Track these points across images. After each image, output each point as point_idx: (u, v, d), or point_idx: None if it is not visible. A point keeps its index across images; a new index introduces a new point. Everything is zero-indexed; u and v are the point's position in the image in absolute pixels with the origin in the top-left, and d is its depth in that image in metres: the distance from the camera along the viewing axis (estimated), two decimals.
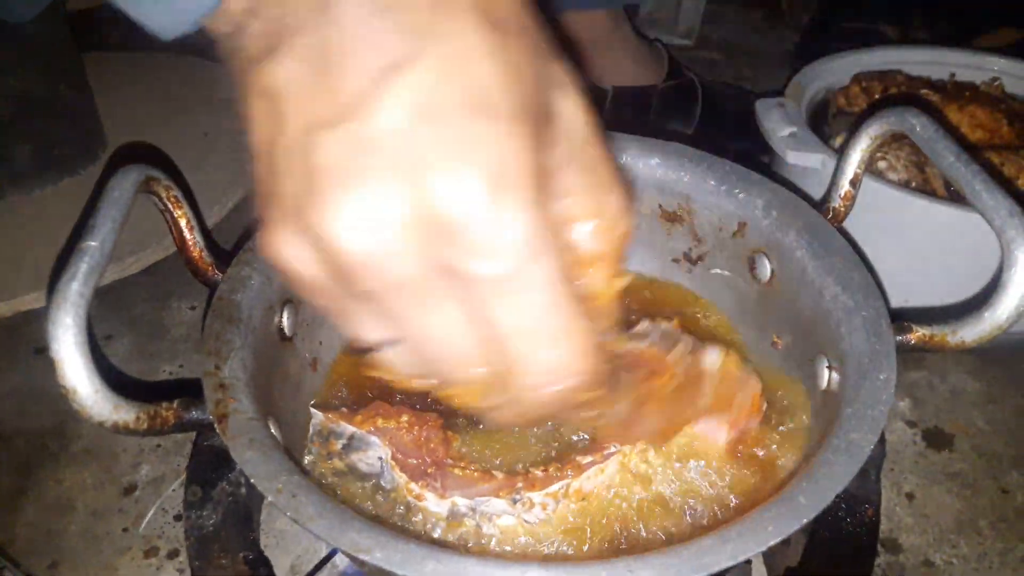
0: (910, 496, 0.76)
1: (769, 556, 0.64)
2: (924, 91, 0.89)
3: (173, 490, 0.77)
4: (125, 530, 0.74)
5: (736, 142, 1.08)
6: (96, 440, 0.81)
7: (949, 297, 0.77)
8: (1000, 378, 0.87)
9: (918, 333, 0.51)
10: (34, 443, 0.81)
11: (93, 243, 0.46)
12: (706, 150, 0.67)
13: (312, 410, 0.56)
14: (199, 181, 1.10)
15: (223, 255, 0.59)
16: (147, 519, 0.74)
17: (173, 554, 0.71)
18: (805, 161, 0.83)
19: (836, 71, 0.98)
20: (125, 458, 0.80)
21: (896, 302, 0.79)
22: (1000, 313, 0.47)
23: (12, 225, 1.05)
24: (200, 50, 1.53)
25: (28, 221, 1.06)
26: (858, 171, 0.60)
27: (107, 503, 0.76)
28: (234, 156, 1.17)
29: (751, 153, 1.03)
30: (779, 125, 0.86)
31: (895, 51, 0.99)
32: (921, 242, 0.78)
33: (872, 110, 0.59)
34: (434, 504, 0.51)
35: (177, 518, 0.74)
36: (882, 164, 0.83)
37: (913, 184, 0.82)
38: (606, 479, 0.52)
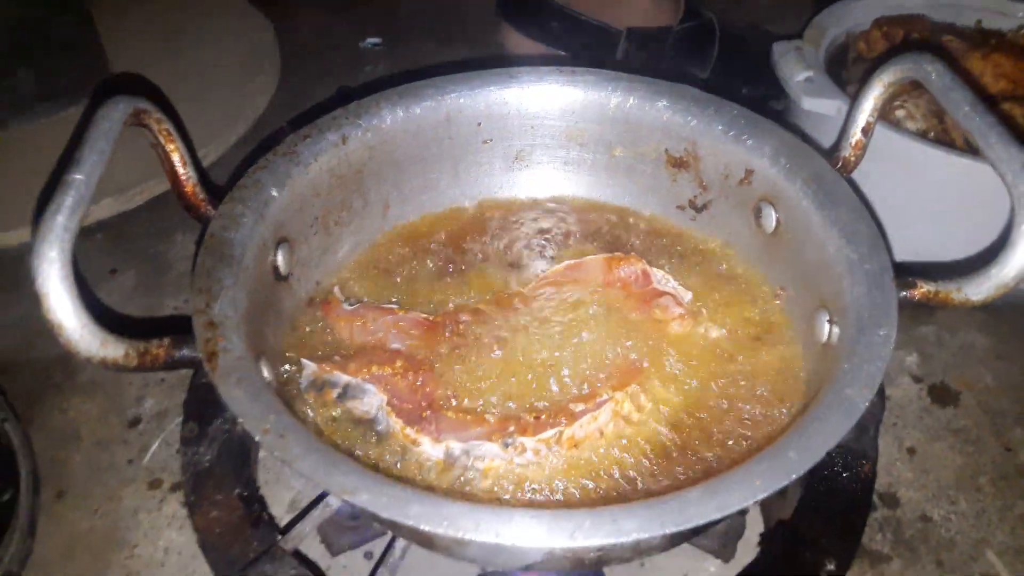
0: (911, 451, 0.76)
1: (767, 507, 0.64)
2: (947, 37, 0.86)
3: (176, 424, 0.77)
4: (130, 461, 0.75)
5: (752, 86, 1.05)
6: (101, 373, 0.81)
7: (965, 250, 0.76)
8: (1011, 335, 0.86)
9: (923, 289, 0.50)
10: (40, 374, 0.82)
11: (79, 176, 0.45)
12: (719, 95, 0.65)
13: (304, 361, 0.56)
14: (201, 115, 1.09)
15: (220, 192, 0.58)
16: (151, 452, 0.75)
17: (176, 486, 0.72)
18: (820, 107, 0.81)
19: (857, 14, 0.95)
20: (130, 391, 0.81)
21: (909, 254, 0.78)
22: (1008, 271, 0.46)
23: (16, 155, 1.05)
24: None
25: (32, 151, 1.05)
26: (870, 120, 0.58)
27: (112, 434, 0.77)
28: (238, 88, 1.16)
29: (766, 98, 1.00)
30: (795, 69, 0.84)
31: None
32: (937, 193, 0.76)
33: (888, 56, 0.57)
34: (429, 447, 0.51)
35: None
36: (900, 113, 0.81)
37: (932, 134, 0.80)
38: (599, 426, 0.52)
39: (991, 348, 0.85)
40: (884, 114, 0.78)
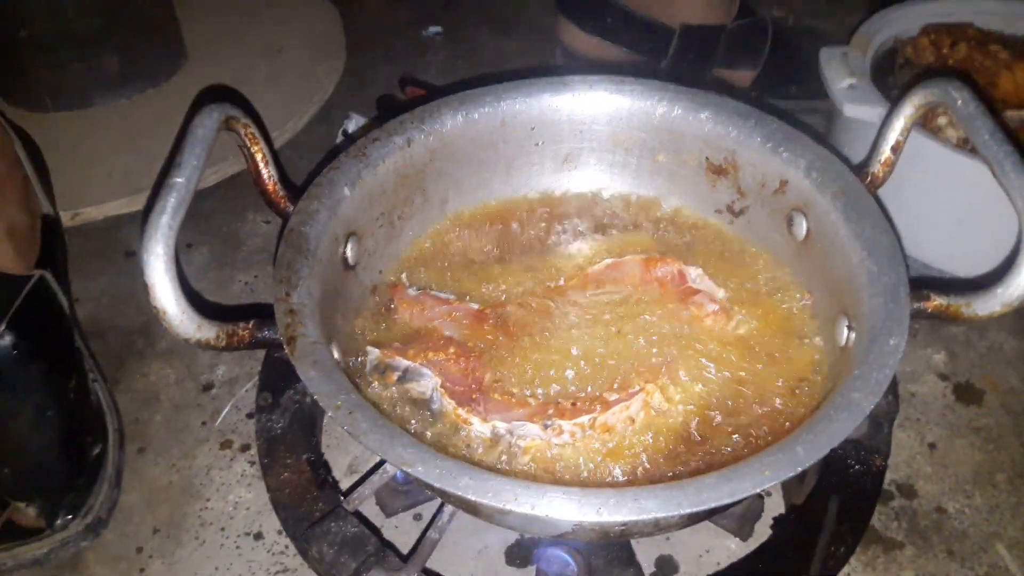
0: (932, 446, 0.79)
1: (787, 492, 0.69)
2: (994, 47, 0.87)
3: (246, 391, 0.84)
4: (203, 423, 0.82)
5: (801, 86, 1.08)
6: (178, 342, 0.89)
7: (992, 260, 0.78)
8: None
9: (935, 302, 0.54)
10: (125, 340, 0.90)
11: (179, 179, 0.51)
12: (769, 92, 0.68)
13: (368, 347, 0.62)
14: (273, 96, 1.15)
15: (297, 190, 0.64)
16: (223, 415, 0.82)
17: (245, 447, 0.80)
18: (861, 114, 0.84)
19: (907, 20, 0.96)
20: (204, 358, 0.88)
21: (935, 262, 0.80)
22: (1012, 291, 0.50)
23: (100, 132, 1.13)
24: None
25: (115, 129, 1.13)
26: (900, 138, 0.62)
27: (187, 398, 0.84)
28: (307, 71, 1.22)
29: (814, 98, 1.02)
30: (839, 75, 0.86)
31: (969, 1, 0.97)
32: (969, 202, 0.79)
33: (919, 78, 0.60)
34: (478, 426, 0.57)
35: (249, 416, 0.82)
36: (942, 120, 0.83)
37: (970, 144, 0.82)
38: (630, 415, 0.58)
39: (1019, 350, 0.88)
40: (926, 121, 0.81)
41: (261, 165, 0.61)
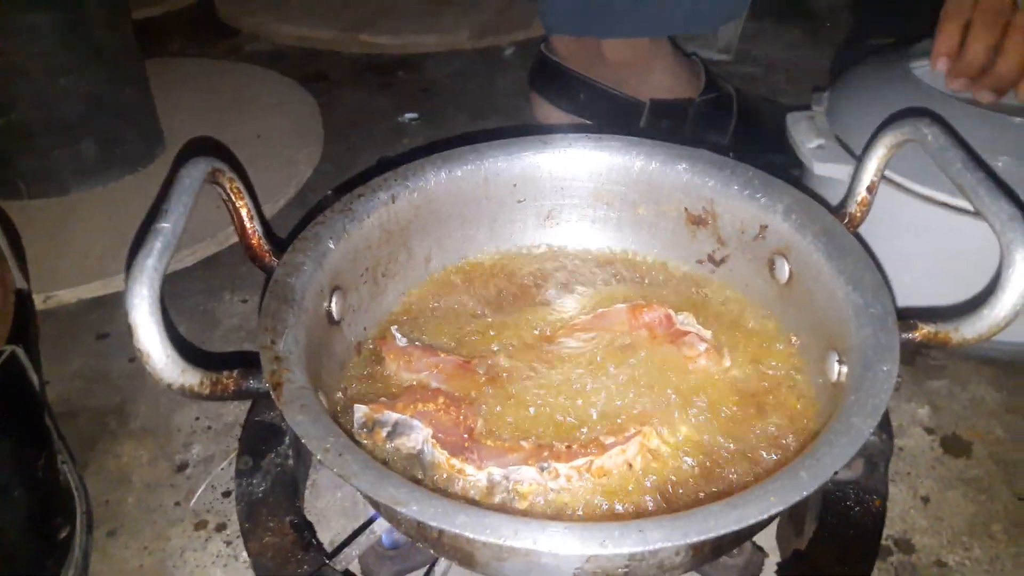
0: (925, 499, 0.78)
1: (782, 540, 0.67)
2: None
3: (222, 468, 0.82)
4: (177, 504, 0.79)
5: (770, 154, 1.11)
6: (152, 420, 0.87)
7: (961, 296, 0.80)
8: (1020, 389, 0.89)
9: (923, 330, 0.55)
10: (96, 421, 0.87)
11: (166, 224, 0.51)
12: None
13: (355, 406, 0.61)
14: (251, 180, 1.16)
15: (281, 244, 0.64)
16: (198, 494, 0.79)
17: (220, 527, 0.76)
18: (831, 172, 0.86)
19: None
20: (178, 437, 0.85)
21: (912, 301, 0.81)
22: (999, 311, 0.51)
23: (77, 218, 1.12)
24: (251, 56, 1.61)
25: (92, 214, 1.13)
26: (874, 179, 0.63)
27: (161, 478, 0.81)
28: (284, 157, 1.24)
29: (784, 165, 1.06)
30: (807, 137, 0.89)
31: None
32: (938, 247, 0.81)
33: (888, 121, 0.63)
34: (473, 474, 0.55)
35: (225, 495, 0.79)
36: None
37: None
38: (627, 459, 0.56)
39: (1002, 402, 0.88)
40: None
41: (246, 219, 0.61)
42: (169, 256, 0.50)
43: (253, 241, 0.62)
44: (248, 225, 0.61)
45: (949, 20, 0.85)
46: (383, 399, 0.62)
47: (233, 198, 0.60)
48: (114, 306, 1.00)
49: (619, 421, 0.60)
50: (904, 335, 0.54)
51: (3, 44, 1.04)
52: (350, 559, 0.60)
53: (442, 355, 0.65)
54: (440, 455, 0.56)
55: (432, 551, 0.56)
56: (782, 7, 1.67)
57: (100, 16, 1.11)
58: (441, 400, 0.60)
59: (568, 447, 0.56)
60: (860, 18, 1.39)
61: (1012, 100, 0.84)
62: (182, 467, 0.82)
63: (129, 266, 0.49)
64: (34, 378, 0.76)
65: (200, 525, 0.77)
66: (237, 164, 0.83)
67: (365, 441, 0.59)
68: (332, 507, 0.76)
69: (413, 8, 1.73)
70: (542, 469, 0.54)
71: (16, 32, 1.04)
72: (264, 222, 0.63)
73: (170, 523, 0.77)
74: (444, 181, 0.70)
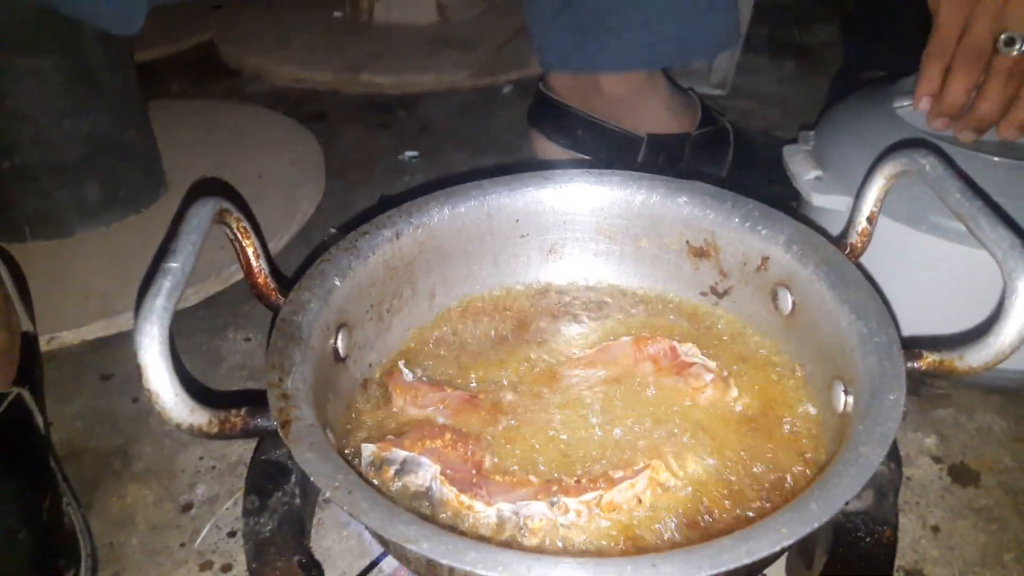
0: (935, 529, 0.78)
1: (792, 572, 0.66)
2: None
3: (227, 508, 0.81)
4: (182, 545, 0.78)
5: (768, 187, 1.12)
6: (156, 460, 0.87)
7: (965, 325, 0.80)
8: None
9: (928, 359, 0.55)
10: (100, 462, 0.87)
11: (175, 264, 0.51)
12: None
13: (363, 444, 0.61)
14: (256, 219, 1.17)
15: (287, 283, 0.64)
16: (203, 535, 0.79)
17: (226, 568, 0.76)
18: (829, 204, 0.87)
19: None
20: (183, 478, 0.85)
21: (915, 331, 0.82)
22: (1003, 339, 0.51)
23: (80, 258, 1.13)
24: (252, 97, 1.63)
25: (95, 255, 1.13)
26: (874, 209, 0.64)
27: (166, 519, 0.81)
28: (286, 195, 1.25)
29: (782, 197, 1.07)
30: (805, 169, 0.90)
31: None
32: (939, 276, 0.82)
33: (887, 152, 0.63)
34: (482, 510, 0.55)
35: (231, 535, 0.79)
36: None
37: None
38: (636, 493, 0.56)
39: (1008, 430, 0.88)
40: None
41: (252, 258, 0.61)
42: (178, 296, 0.50)
43: (259, 280, 0.62)
44: (255, 264, 0.62)
45: (931, 61, 0.88)
46: (390, 437, 0.62)
47: (240, 237, 0.61)
48: (118, 346, 1.00)
49: (626, 455, 0.60)
50: (909, 364, 0.55)
51: (6, 87, 1.05)
52: None
53: (448, 390, 0.65)
54: (449, 492, 0.56)
55: None
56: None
57: (103, 59, 1.12)
58: (448, 436, 0.60)
59: (577, 481, 0.56)
60: (851, 52, 1.41)
61: (992, 137, 0.87)
62: (187, 507, 0.82)
63: (138, 306, 0.49)
64: (39, 420, 0.77)
65: (205, 566, 0.76)
66: (243, 204, 0.84)
67: (374, 480, 0.59)
68: (338, 546, 0.76)
69: (411, 48, 1.76)
70: (552, 504, 0.53)
71: (20, 76, 1.06)
72: (270, 260, 0.64)
73: (175, 564, 0.76)
74: (448, 217, 0.71)
